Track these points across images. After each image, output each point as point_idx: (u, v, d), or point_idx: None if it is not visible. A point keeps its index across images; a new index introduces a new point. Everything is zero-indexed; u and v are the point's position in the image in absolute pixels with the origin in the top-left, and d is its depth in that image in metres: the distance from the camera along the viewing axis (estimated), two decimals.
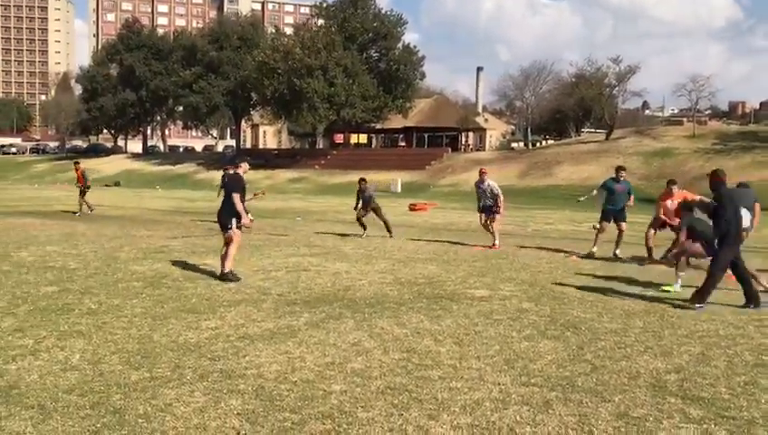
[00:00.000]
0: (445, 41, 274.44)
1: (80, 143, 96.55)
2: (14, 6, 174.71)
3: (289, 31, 67.90)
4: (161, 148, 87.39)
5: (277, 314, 7.43)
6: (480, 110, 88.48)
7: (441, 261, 11.76)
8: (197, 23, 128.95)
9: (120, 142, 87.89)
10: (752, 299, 8.19)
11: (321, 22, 60.16)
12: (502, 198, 13.74)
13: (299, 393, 4.92)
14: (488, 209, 13.82)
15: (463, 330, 6.84)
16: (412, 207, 27.39)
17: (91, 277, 9.57)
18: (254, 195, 10.82)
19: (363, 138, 72.63)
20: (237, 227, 9.75)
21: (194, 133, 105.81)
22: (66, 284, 9.03)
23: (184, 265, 10.75)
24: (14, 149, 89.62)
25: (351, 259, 11.79)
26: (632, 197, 13.03)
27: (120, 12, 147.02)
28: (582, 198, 14.88)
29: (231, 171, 10.39)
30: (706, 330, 6.98)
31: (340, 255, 12.37)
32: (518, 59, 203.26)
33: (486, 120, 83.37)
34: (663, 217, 11.88)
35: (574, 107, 63.61)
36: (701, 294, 8.06)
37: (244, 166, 10.03)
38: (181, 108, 70.08)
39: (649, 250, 12.12)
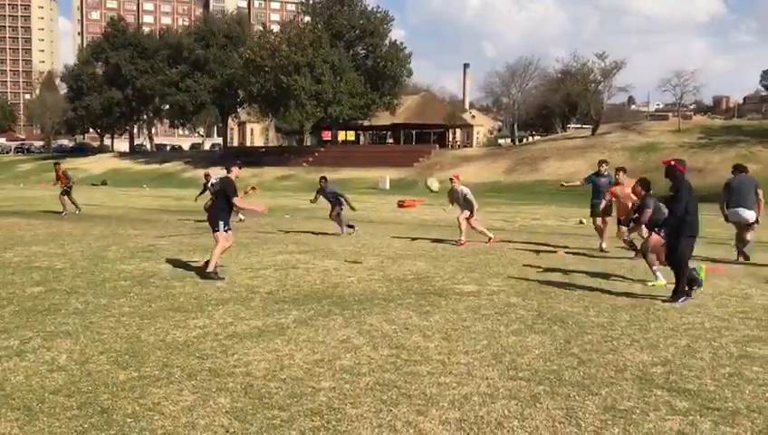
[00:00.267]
0: (431, 37, 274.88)
1: (66, 142, 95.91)
2: None
3: (275, 28, 67.66)
4: (148, 147, 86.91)
5: (266, 312, 7.42)
6: (467, 106, 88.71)
7: (429, 257, 11.78)
8: (183, 21, 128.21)
9: (107, 141, 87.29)
10: (680, 293, 8.03)
11: (307, 19, 60.00)
12: (476, 205, 13.63)
13: (288, 391, 4.92)
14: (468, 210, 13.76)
15: (451, 325, 6.86)
16: (401, 204, 27.42)
17: (78, 277, 9.51)
18: (245, 192, 10.85)
19: (351, 135, 72.69)
20: (225, 230, 9.75)
21: (180, 132, 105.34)
22: (52, 284, 8.98)
23: (172, 264, 10.71)
24: None
25: (340, 256, 11.79)
26: None
27: (105, 10, 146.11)
28: (566, 184, 15.10)
29: (223, 175, 10.27)
30: (692, 323, 7.04)
31: (328, 252, 12.36)
32: (504, 55, 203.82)
33: (473, 116, 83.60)
34: (621, 206, 11.62)
35: (560, 103, 63.85)
36: (677, 293, 8.05)
37: (236, 170, 9.97)
38: (167, 106, 69.71)
39: (630, 243, 11.96)
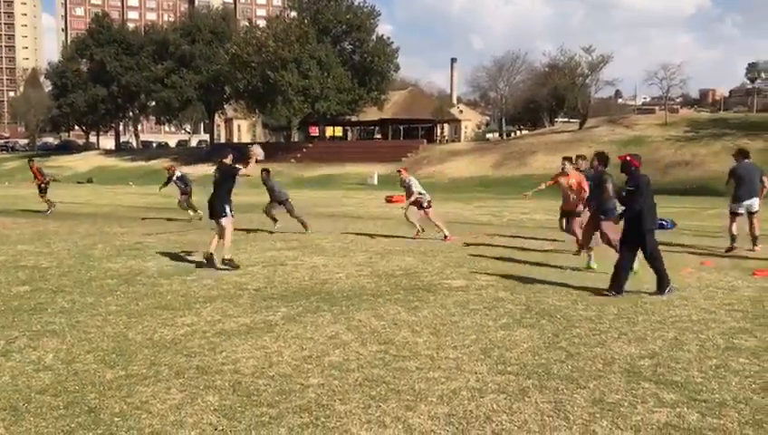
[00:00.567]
0: (418, 32, 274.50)
1: (51, 140, 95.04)
2: None
3: (261, 23, 67.35)
4: (134, 144, 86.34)
5: (254, 309, 7.40)
6: (455, 101, 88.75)
7: (418, 253, 11.79)
8: (169, 16, 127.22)
9: (92, 139, 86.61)
10: (617, 288, 8.02)
11: (293, 14, 59.71)
12: (414, 191, 13.53)
13: (276, 388, 4.91)
14: (419, 205, 13.71)
15: (440, 320, 6.87)
16: (389, 200, 27.39)
17: (65, 276, 9.44)
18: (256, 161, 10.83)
19: (339, 130, 72.56)
20: (231, 215, 10.26)
21: (167, 129, 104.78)
22: (39, 283, 8.91)
23: (159, 262, 10.65)
24: None
25: (329, 253, 11.77)
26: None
27: (89, 6, 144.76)
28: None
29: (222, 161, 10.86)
30: (679, 315, 7.08)
31: (317, 248, 12.34)
32: (492, 49, 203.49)
33: (461, 111, 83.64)
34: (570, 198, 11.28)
35: (548, 97, 64.00)
36: (661, 284, 8.08)
37: (230, 158, 10.80)
38: (153, 103, 69.19)
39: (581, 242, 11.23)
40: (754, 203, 11.78)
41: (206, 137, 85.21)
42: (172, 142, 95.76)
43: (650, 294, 8.09)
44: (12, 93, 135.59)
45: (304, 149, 58.07)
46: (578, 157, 12.84)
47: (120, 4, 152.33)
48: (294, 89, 51.73)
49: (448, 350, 5.84)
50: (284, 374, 5.21)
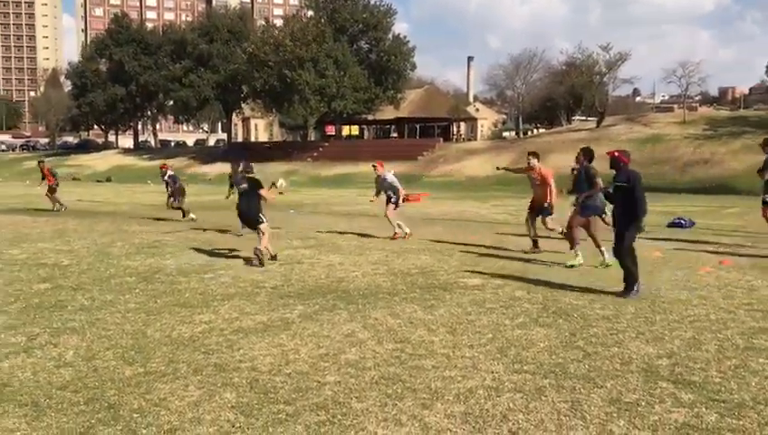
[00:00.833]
0: (435, 30, 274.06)
1: (70, 139, 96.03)
2: (0, 3, 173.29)
3: (278, 23, 67.56)
4: (152, 143, 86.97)
5: (271, 307, 7.44)
6: (471, 99, 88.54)
7: (434, 251, 11.78)
8: (186, 16, 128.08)
9: (111, 138, 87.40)
10: (631, 285, 7.96)
11: (310, 13, 59.84)
12: (401, 191, 13.64)
13: (293, 385, 4.94)
14: (388, 199, 13.66)
15: (456, 319, 6.87)
16: (405, 198, 27.36)
17: (84, 273, 9.55)
18: (279, 193, 11.00)
19: (355, 129, 72.61)
20: (266, 221, 10.66)
21: (185, 128, 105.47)
22: (59, 280, 9.02)
23: (177, 260, 10.74)
24: (3, 147, 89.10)
25: (345, 251, 11.80)
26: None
27: (109, 6, 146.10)
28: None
29: (247, 174, 11.05)
30: (697, 315, 7.02)
31: (333, 247, 12.37)
32: (508, 47, 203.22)
33: (478, 109, 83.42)
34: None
35: (565, 95, 63.63)
36: (628, 285, 7.95)
37: (242, 165, 11.23)
38: (171, 102, 69.65)
39: (534, 237, 11.56)
40: None
41: (224, 136, 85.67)
42: (190, 141, 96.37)
43: (616, 295, 7.90)
44: (33, 93, 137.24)
45: (320, 148, 58.19)
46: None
47: (138, 4, 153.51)
48: (311, 88, 51.84)
49: (465, 349, 5.84)
50: (301, 372, 5.24)
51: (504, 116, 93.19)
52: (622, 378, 5.07)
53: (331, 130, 66.43)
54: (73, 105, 77.78)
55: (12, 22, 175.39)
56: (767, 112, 54.39)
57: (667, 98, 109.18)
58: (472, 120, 75.41)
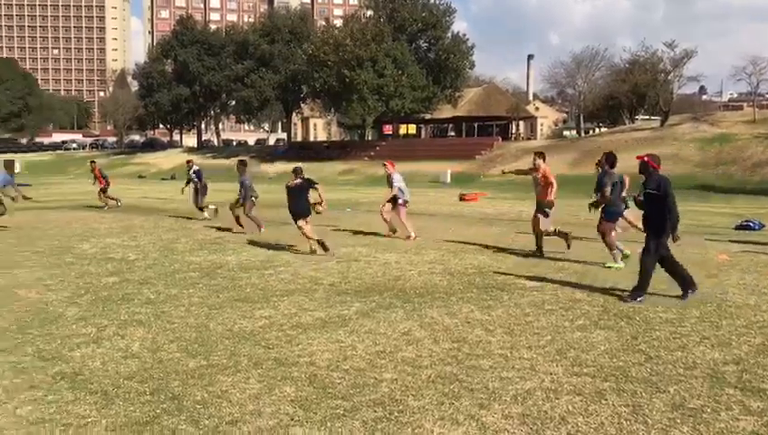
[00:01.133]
0: (494, 28, 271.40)
1: (137, 138, 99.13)
2: (73, 6, 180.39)
3: (338, 23, 68.17)
4: (215, 142, 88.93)
5: (328, 304, 7.53)
6: (531, 98, 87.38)
7: (491, 251, 11.70)
8: (249, 17, 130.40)
9: (176, 137, 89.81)
10: (690, 284, 7.80)
11: (369, 13, 60.17)
12: (395, 187, 13.40)
13: (351, 381, 4.99)
14: (395, 200, 13.51)
15: (514, 320, 6.81)
16: (462, 198, 27.28)
17: (150, 268, 9.86)
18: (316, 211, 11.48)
19: (412, 128, 72.52)
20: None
21: (246, 127, 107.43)
22: (126, 274, 9.33)
23: (238, 256, 10.97)
24: (74, 145, 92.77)
25: (401, 249, 11.83)
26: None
27: (174, 8, 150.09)
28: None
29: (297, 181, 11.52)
30: (767, 320, 6.77)
31: (389, 245, 12.42)
32: (569, 45, 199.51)
33: (537, 108, 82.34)
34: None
35: (628, 93, 62.00)
36: (639, 289, 7.71)
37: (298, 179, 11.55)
38: (233, 102, 71.07)
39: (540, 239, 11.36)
40: None
41: (284, 135, 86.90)
42: (251, 141, 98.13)
43: (622, 295, 7.77)
44: (102, 94, 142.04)
45: (377, 148, 58.41)
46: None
47: (202, 6, 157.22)
48: (369, 87, 52.08)
49: (523, 350, 5.79)
50: (358, 368, 5.29)
51: (565, 115, 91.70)
52: (686, 383, 4.94)
53: (388, 129, 66.58)
54: (140, 105, 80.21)
55: (84, 25, 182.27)
56: None
57: (735, 96, 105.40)
58: (531, 119, 74.46)
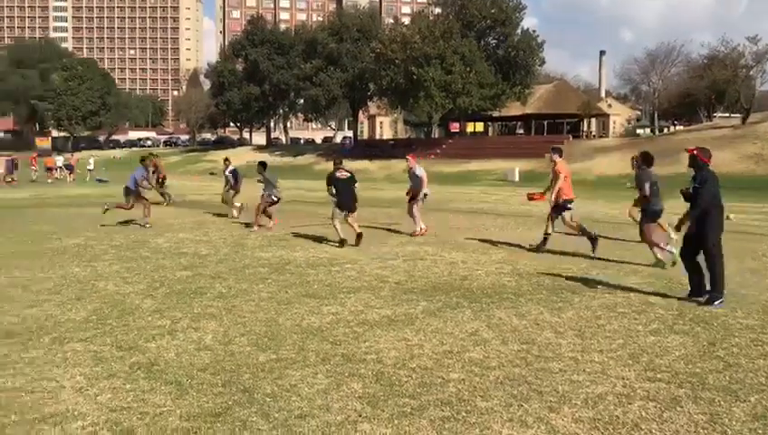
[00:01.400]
0: (565, 24, 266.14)
1: (208, 136, 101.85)
2: (149, 8, 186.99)
3: (406, 21, 68.18)
4: (283, 140, 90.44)
5: (395, 302, 7.54)
6: (603, 95, 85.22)
7: (561, 251, 11.48)
8: (318, 16, 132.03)
9: (246, 135, 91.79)
10: (702, 291, 7.57)
11: (437, 10, 59.98)
12: (425, 188, 13.66)
13: (418, 380, 4.99)
14: (415, 195, 13.74)
15: (585, 322, 6.66)
16: (530, 197, 26.81)
17: (221, 263, 10.11)
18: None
19: (480, 126, 71.95)
20: None
21: (313, 125, 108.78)
22: (198, 269, 9.60)
23: (306, 253, 11.13)
24: (149, 142, 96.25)
25: (468, 249, 11.75)
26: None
27: (245, 8, 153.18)
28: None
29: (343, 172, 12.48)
30: None
31: (455, 244, 12.36)
32: (643, 41, 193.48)
33: (610, 105, 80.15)
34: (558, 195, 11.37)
35: (705, 90, 59.82)
36: (715, 288, 7.40)
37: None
38: (302, 100, 72.08)
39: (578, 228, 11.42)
40: None
41: (349, 133, 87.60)
42: (318, 139, 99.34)
43: (700, 304, 7.40)
44: (175, 93, 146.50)
45: (444, 145, 58.19)
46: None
47: (272, 5, 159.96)
48: (437, 84, 51.88)
49: (593, 353, 5.66)
50: (425, 367, 5.28)
51: (638, 112, 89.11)
52: None
53: (455, 127, 66.22)
54: (212, 103, 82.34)
55: (159, 26, 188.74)
56: None
57: None
58: (603, 117, 72.64)
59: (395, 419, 4.28)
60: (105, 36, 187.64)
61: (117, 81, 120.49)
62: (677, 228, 8.10)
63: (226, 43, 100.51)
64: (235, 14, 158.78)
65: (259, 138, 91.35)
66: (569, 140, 53.70)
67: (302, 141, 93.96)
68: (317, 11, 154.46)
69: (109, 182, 37.37)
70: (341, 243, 11.80)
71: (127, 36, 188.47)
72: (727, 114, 63.62)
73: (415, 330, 6.37)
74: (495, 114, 61.57)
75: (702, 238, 7.50)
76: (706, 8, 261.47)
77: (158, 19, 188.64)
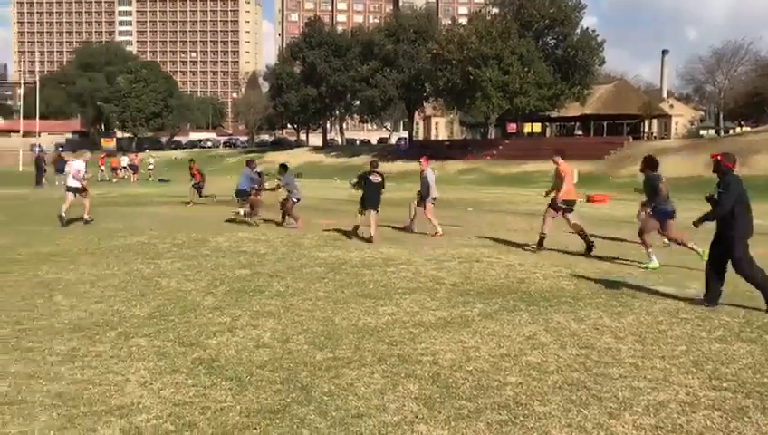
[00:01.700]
0: (626, 23, 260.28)
1: (266, 137, 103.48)
2: (210, 12, 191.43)
3: (463, 21, 67.85)
4: (339, 141, 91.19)
5: (451, 304, 7.52)
6: (665, 95, 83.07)
7: (620, 256, 11.24)
8: (374, 18, 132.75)
9: (303, 136, 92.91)
10: (709, 299, 7.49)
11: (495, 10, 59.49)
12: (433, 193, 13.84)
13: (474, 382, 4.97)
14: (424, 198, 13.90)
15: (645, 328, 6.51)
16: (590, 199, 26.40)
17: (279, 262, 10.26)
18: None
19: (537, 127, 70.98)
20: None
21: (369, 126, 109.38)
22: (257, 267, 9.77)
23: (361, 253, 11.20)
24: (209, 143, 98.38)
25: (524, 252, 11.61)
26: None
27: (303, 11, 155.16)
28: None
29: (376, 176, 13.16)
30: None
31: (512, 246, 12.24)
32: (707, 40, 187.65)
33: (672, 106, 78.04)
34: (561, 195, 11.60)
35: None
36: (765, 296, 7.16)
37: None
38: (358, 102, 72.53)
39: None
40: None
41: (404, 134, 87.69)
42: (373, 140, 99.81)
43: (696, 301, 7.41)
44: (235, 95, 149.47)
45: (500, 146, 57.69)
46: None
47: (330, 8, 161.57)
48: (494, 85, 51.44)
49: (655, 359, 5.53)
50: (482, 370, 5.25)
51: (702, 113, 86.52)
52: None
53: (512, 127, 65.54)
54: (270, 105, 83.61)
55: (219, 29, 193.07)
56: None
57: None
58: (665, 118, 70.78)
59: (451, 421, 4.27)
60: (168, 40, 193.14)
61: (179, 83, 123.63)
62: (696, 225, 7.90)
63: (284, 45, 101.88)
64: (293, 16, 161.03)
65: (315, 139, 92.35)
66: (629, 141, 52.53)
67: (357, 142, 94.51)
68: (374, 12, 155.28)
69: (170, 182, 38.39)
70: (369, 239, 12.49)
71: (188, 40, 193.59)
72: None
73: (471, 332, 6.34)
74: (554, 115, 60.67)
75: (728, 242, 7.36)
76: None
77: (218, 23, 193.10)
